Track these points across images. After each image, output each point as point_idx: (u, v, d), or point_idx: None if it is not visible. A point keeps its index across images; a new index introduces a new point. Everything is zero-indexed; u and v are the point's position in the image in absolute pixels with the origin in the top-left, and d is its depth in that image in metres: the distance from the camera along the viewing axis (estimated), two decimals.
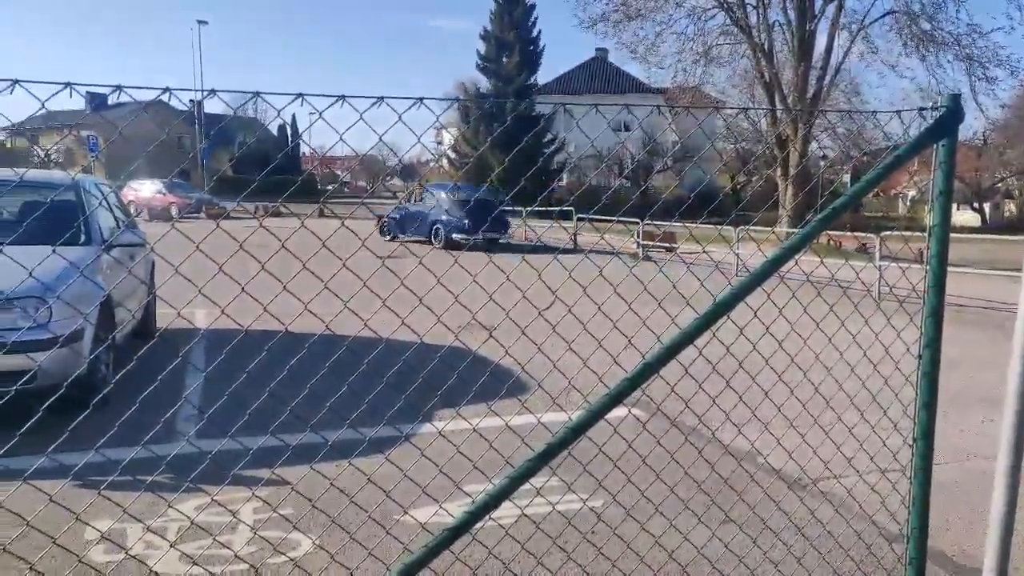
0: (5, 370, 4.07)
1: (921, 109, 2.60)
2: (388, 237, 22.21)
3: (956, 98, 2.58)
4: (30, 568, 1.83)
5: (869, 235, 14.80)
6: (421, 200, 22.74)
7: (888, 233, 14.53)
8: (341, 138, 2.68)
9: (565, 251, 2.25)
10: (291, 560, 2.79)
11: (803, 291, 3.00)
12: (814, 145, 32.58)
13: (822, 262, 3.13)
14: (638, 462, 3.11)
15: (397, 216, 22.94)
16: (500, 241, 19.95)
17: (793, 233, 2.68)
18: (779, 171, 30.01)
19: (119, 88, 2.45)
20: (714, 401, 3.23)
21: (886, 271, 12.80)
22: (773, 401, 3.30)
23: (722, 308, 2.48)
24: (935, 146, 2.59)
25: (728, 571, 3.28)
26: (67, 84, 1.99)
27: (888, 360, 3.13)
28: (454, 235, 19.56)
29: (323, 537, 3.23)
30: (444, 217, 20.26)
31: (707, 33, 30.01)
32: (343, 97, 2.34)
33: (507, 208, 20.10)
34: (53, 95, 1.95)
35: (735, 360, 2.98)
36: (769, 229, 15.19)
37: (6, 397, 2.00)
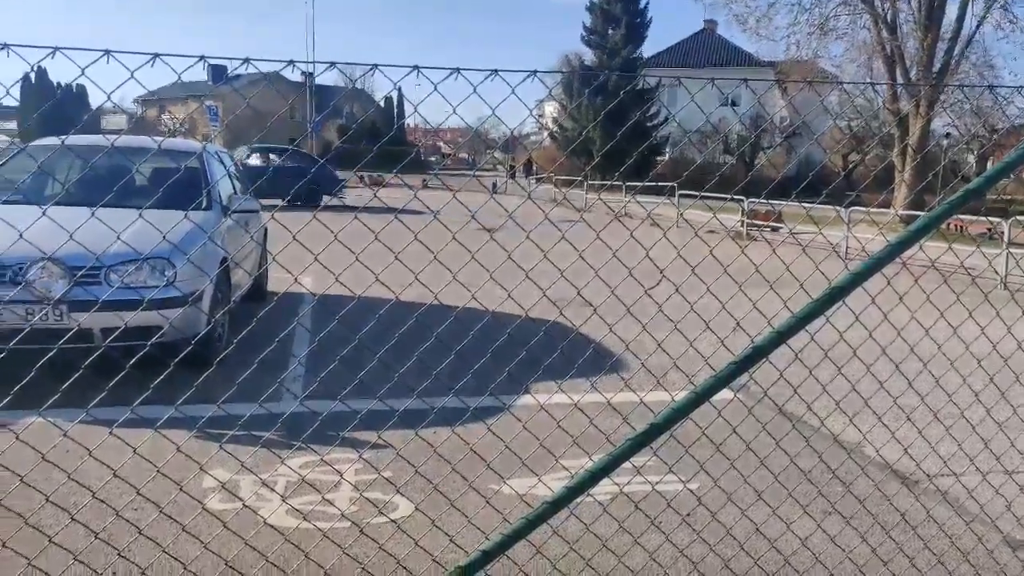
0: (138, 325, 4.37)
1: None
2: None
3: None
4: (159, 511, 1.95)
5: (997, 220, 13.78)
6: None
7: (1021, 218, 13.52)
8: (455, 111, 2.71)
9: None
10: (392, 521, 2.88)
11: (927, 278, 2.84)
12: (938, 122, 30.65)
13: (950, 247, 2.95)
14: (741, 447, 3.04)
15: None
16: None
17: (912, 216, 2.54)
18: (896, 150, 28.41)
19: (246, 60, 2.55)
20: (824, 389, 3.11)
21: (1018, 260, 11.96)
22: (889, 392, 3.16)
23: (838, 293, 2.37)
24: None
25: (832, 565, 3.17)
26: (201, 57, 2.08)
27: (1020, 355, 2.93)
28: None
29: (423, 502, 3.31)
30: None
31: (824, 3, 28.55)
32: (457, 70, 2.35)
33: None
34: (187, 68, 2.04)
35: (849, 347, 2.86)
36: (888, 211, 14.42)
37: (142, 351, 2.13)
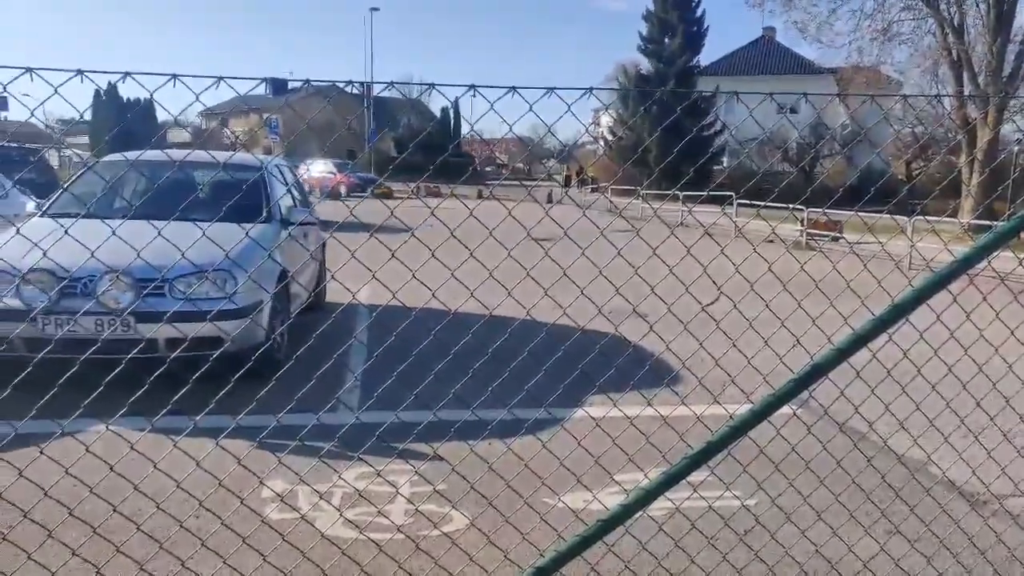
0: (201, 336, 4.51)
1: None
2: None
3: None
4: (221, 523, 2.01)
5: None
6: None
7: None
8: (511, 129, 2.74)
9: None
10: (446, 535, 2.90)
11: (998, 293, 2.74)
12: (1008, 127, 29.56)
13: (1021, 262, 2.85)
14: (801, 465, 2.98)
15: None
16: None
17: (981, 226, 2.46)
18: (964, 158, 27.51)
19: (307, 82, 2.62)
20: (887, 407, 3.03)
21: None
22: (955, 411, 3.06)
23: (900, 311, 2.32)
24: None
25: None
26: (263, 80, 2.15)
27: None
28: None
29: (478, 517, 3.33)
30: None
31: (887, 8, 27.87)
32: (514, 88, 2.38)
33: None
34: (251, 90, 2.11)
35: (913, 365, 2.78)
36: (956, 221, 13.96)
37: (207, 363, 2.19)
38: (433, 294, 2.38)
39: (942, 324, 2.71)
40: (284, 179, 7.27)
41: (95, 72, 1.91)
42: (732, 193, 19.13)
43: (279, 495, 2.51)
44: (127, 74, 1.93)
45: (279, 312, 5.67)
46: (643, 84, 40.79)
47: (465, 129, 51.84)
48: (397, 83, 3.23)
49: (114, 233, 2.12)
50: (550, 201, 23.34)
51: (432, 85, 2.46)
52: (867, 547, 3.18)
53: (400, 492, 3.25)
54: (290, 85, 2.77)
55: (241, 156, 7.54)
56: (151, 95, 1.99)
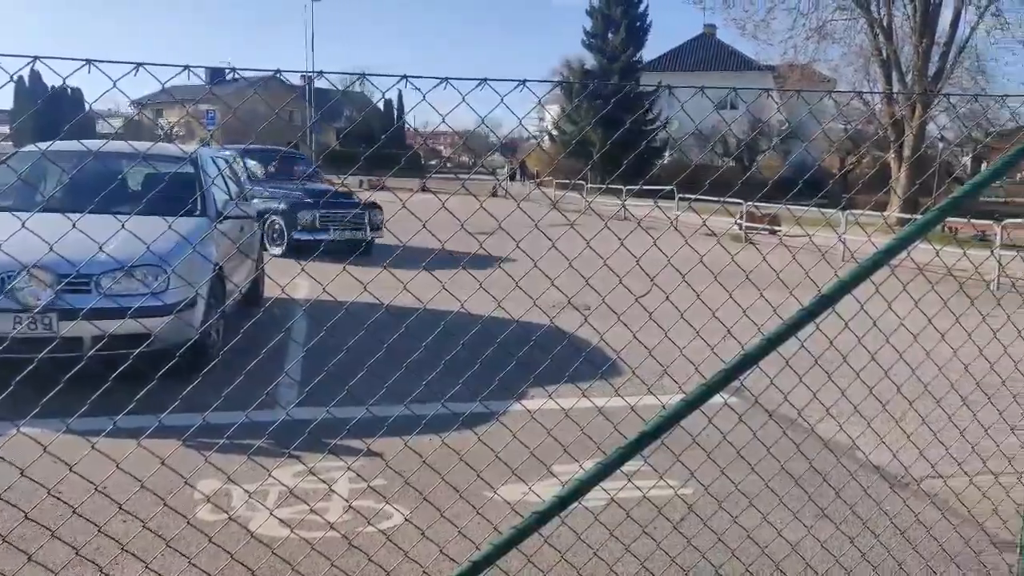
0: (125, 334, 4.37)
1: None
2: None
3: None
4: (143, 526, 1.95)
5: (989, 222, 13.85)
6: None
7: (1012, 220, 13.57)
8: (444, 120, 2.72)
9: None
10: (382, 532, 2.88)
11: (917, 282, 2.85)
12: (933, 126, 30.69)
13: (938, 254, 2.96)
14: (733, 452, 3.04)
15: None
16: (373, 238, 13.09)
17: (906, 219, 2.55)
18: (893, 153, 28.47)
19: (233, 70, 2.56)
20: (815, 395, 3.12)
21: (1009, 263, 12.00)
22: (878, 397, 3.17)
23: (827, 301, 2.38)
24: None
25: (823, 570, 3.18)
26: (185, 67, 2.08)
27: (1007, 358, 2.94)
28: (302, 236, 12.48)
29: (415, 511, 3.31)
30: (278, 206, 12.74)
31: (821, 8, 28.61)
32: (446, 79, 2.36)
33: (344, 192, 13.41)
34: (171, 78, 2.04)
35: (839, 353, 2.86)
36: (880, 215, 14.45)
37: (128, 360, 2.13)
38: (365, 287, 2.35)
39: (866, 313, 2.80)
40: (221, 171, 7.11)
41: (5, 56, 1.83)
42: (673, 187, 19.44)
43: (206, 496, 2.45)
44: (36, 58, 1.85)
45: (213, 308, 5.54)
46: (586, 79, 41.07)
47: (399, 123, 51.36)
48: (327, 72, 3.13)
49: (23, 226, 2.03)
50: (495, 195, 23.31)
51: (363, 75, 2.43)
52: (796, 530, 3.27)
53: (333, 489, 3.22)
54: (228, 75, 2.71)
55: (175, 147, 7.32)
56: (63, 80, 1.92)
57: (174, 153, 6.53)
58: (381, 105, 55.76)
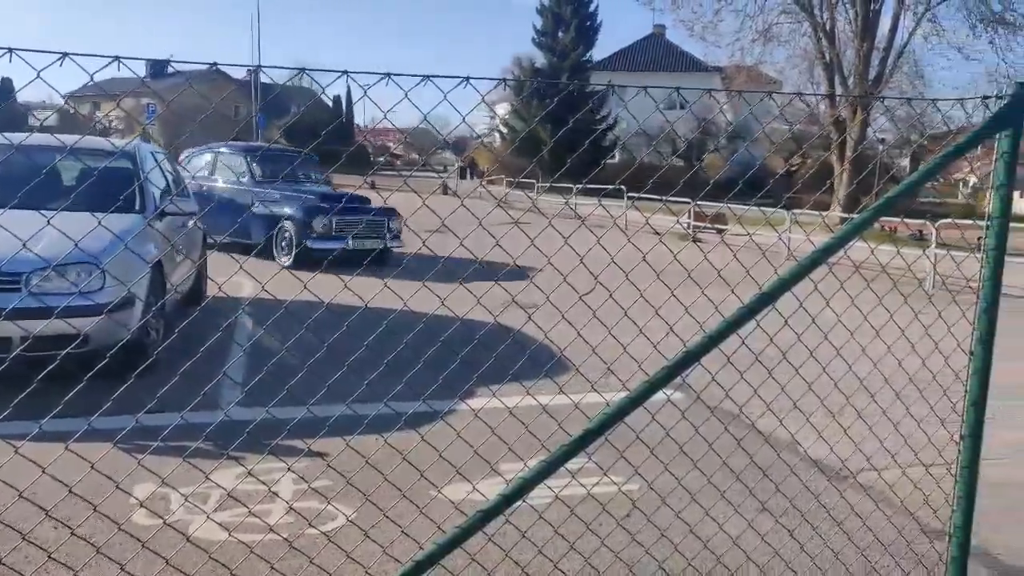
0: (56, 334, 4.21)
1: (985, 98, 2.50)
2: None
3: (1022, 86, 2.47)
4: (71, 533, 1.89)
5: (925, 222, 14.33)
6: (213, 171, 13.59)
7: (945, 221, 14.06)
8: (385, 116, 2.69)
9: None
10: (324, 534, 2.84)
11: (854, 280, 2.92)
12: (872, 128, 31.60)
13: (872, 252, 3.04)
14: (676, 448, 3.08)
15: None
16: (393, 248, 12.16)
17: (847, 219, 2.62)
18: (835, 154, 29.24)
19: (167, 62, 2.50)
20: (756, 391, 3.18)
21: (941, 261, 12.41)
22: (816, 392, 3.24)
23: (767, 299, 2.43)
24: (997, 136, 2.48)
25: (763, 562, 3.24)
26: (115, 58, 2.02)
27: (938, 354, 3.04)
28: (317, 244, 11.40)
29: (358, 512, 3.27)
30: (291, 211, 11.77)
31: (767, 11, 29.21)
32: (388, 75, 2.33)
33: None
34: (98, 70, 1.97)
35: (779, 349, 2.92)
36: (821, 214, 14.83)
37: (56, 362, 2.06)
38: (305, 286, 2.32)
39: (805, 310, 2.86)
40: (160, 167, 6.93)
41: None
42: (617, 185, 19.56)
43: (139, 501, 2.39)
44: None
45: (152, 307, 5.40)
46: (537, 78, 41.17)
47: (359, 118, 50.91)
48: (264, 67, 3.07)
49: None
50: (445, 192, 23.18)
51: (302, 70, 2.38)
52: (737, 524, 3.33)
53: (273, 491, 3.17)
54: (170, 68, 2.64)
55: (113, 141, 7.12)
56: None
57: (111, 147, 6.35)
58: (329, 101, 55.08)
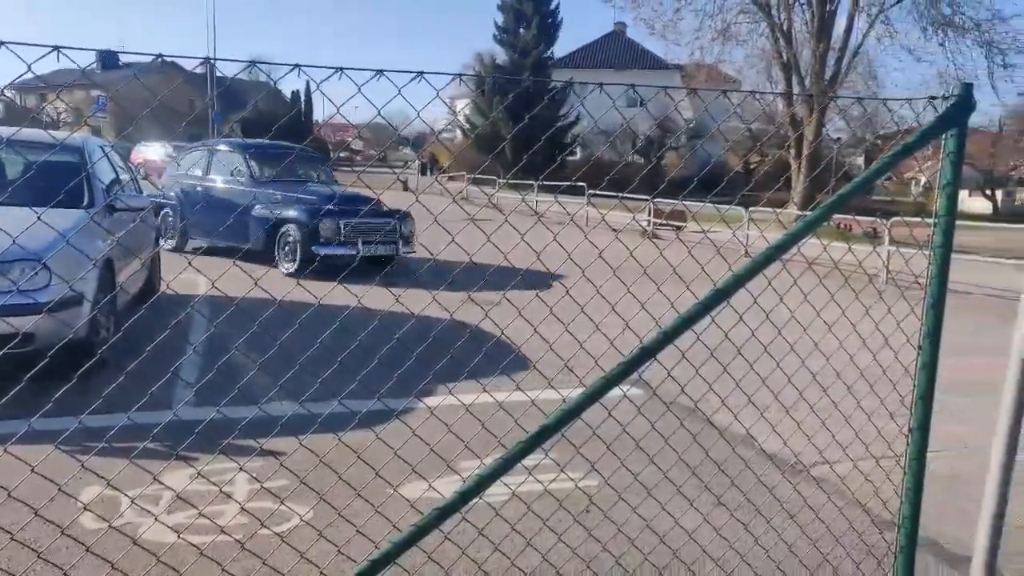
0: (3, 333, 4.08)
1: (932, 98, 2.54)
2: (168, 239, 11.73)
3: (968, 88, 2.52)
4: (11, 538, 1.83)
5: (880, 220, 14.70)
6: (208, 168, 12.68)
7: (896, 218, 14.43)
8: (338, 110, 2.66)
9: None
10: (277, 534, 2.80)
11: (808, 276, 2.96)
12: (828, 127, 32.22)
13: (825, 249, 3.09)
14: (632, 444, 3.10)
15: (175, 196, 12.75)
16: (405, 253, 11.07)
17: (802, 216, 2.66)
18: (792, 152, 29.74)
19: (108, 52, 2.42)
20: (710, 386, 3.21)
21: (893, 258, 12.71)
22: (769, 387, 3.28)
23: (721, 295, 2.45)
24: (944, 136, 2.53)
25: (718, 556, 3.28)
26: (55, 48, 1.95)
27: (888, 348, 3.10)
28: (324, 250, 10.38)
29: (313, 512, 3.23)
30: (295, 213, 10.86)
31: (726, 11, 29.57)
32: (340, 69, 2.30)
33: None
34: (35, 61, 1.91)
35: (733, 345, 2.95)
36: (774, 211, 15.09)
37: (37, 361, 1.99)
38: (256, 283, 2.28)
39: (759, 306, 2.89)
40: (110, 161, 6.76)
41: None
42: (574, 182, 19.63)
43: (84, 506, 2.33)
44: None
45: (104, 303, 5.26)
46: (497, 74, 41.09)
47: (318, 114, 50.30)
48: (213, 59, 2.98)
49: None
50: (406, 189, 22.99)
51: (253, 63, 2.34)
52: (693, 519, 3.36)
53: (224, 491, 3.12)
54: (122, 60, 2.56)
55: (55, 134, 6.92)
56: None
57: (59, 141, 6.17)
58: (288, 96, 54.36)
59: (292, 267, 10.56)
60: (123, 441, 3.18)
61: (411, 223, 11.03)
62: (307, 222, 10.61)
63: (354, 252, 10.22)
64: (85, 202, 5.77)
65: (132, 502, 2.37)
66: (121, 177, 7.05)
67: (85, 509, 2.72)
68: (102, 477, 2.13)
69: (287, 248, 10.85)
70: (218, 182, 12.29)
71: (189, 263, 2.24)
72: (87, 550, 2.08)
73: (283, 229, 10.87)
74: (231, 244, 11.02)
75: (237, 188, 11.86)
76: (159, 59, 2.33)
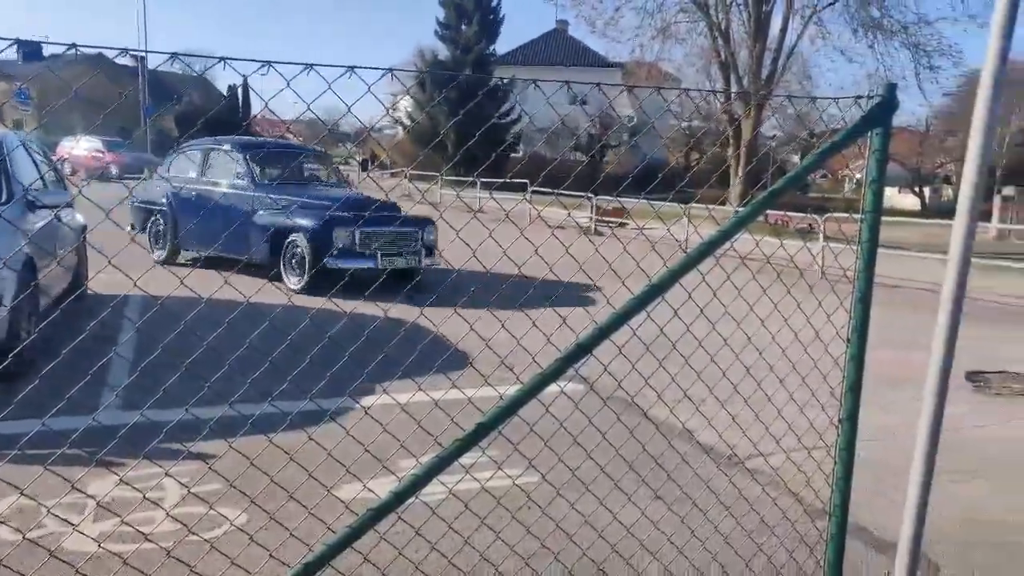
0: None
1: (857, 98, 2.61)
2: (156, 250, 11.12)
3: (892, 88, 2.59)
4: None
5: (815, 216, 15.14)
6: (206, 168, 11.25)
7: (829, 215, 14.87)
8: (267, 104, 2.59)
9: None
10: (206, 541, 2.72)
11: (742, 271, 3.00)
12: (765, 125, 33.00)
13: (757, 244, 3.15)
14: (570, 440, 3.10)
15: (166, 202, 11.23)
16: (428, 266, 10.01)
17: (739, 211, 2.70)
18: (730, 150, 30.38)
19: (30, 41, 2.31)
20: (646, 381, 3.23)
21: (825, 253, 13.07)
22: (704, 381, 3.32)
23: (656, 290, 2.47)
24: (869, 134, 2.59)
25: (656, 549, 3.30)
26: None
27: (819, 341, 3.17)
28: (340, 263, 8.98)
29: (246, 515, 3.14)
30: (303, 221, 9.46)
31: (666, 9, 30.02)
32: (269, 63, 2.24)
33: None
34: None
35: (668, 339, 2.98)
36: (709, 207, 15.40)
37: None
38: (182, 282, 2.20)
39: (693, 301, 2.93)
40: (30, 155, 6.48)
41: None
42: (509, 178, 19.73)
43: None
44: None
45: (24, 304, 5.03)
46: (438, 70, 40.88)
47: (251, 105, 49.07)
48: (133, 50, 2.89)
49: None
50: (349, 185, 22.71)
51: (174, 55, 2.25)
52: (631, 513, 3.38)
53: (149, 497, 3.02)
54: (46, 51, 2.44)
55: None
56: None
57: None
58: (224, 91, 53.09)
59: (300, 283, 9.24)
60: (40, 448, 3.05)
61: (433, 230, 9.96)
62: (317, 231, 9.25)
63: (372, 264, 9.14)
64: (3, 198, 5.51)
65: (48, 511, 2.27)
66: (42, 172, 6.76)
67: None
68: (13, 486, 2.03)
69: (294, 261, 9.50)
70: (218, 185, 10.83)
71: (109, 261, 2.15)
72: (0, 563, 1.98)
73: (290, 239, 9.48)
74: (231, 255, 9.49)
75: (237, 192, 10.43)
76: (76, 50, 2.23)
